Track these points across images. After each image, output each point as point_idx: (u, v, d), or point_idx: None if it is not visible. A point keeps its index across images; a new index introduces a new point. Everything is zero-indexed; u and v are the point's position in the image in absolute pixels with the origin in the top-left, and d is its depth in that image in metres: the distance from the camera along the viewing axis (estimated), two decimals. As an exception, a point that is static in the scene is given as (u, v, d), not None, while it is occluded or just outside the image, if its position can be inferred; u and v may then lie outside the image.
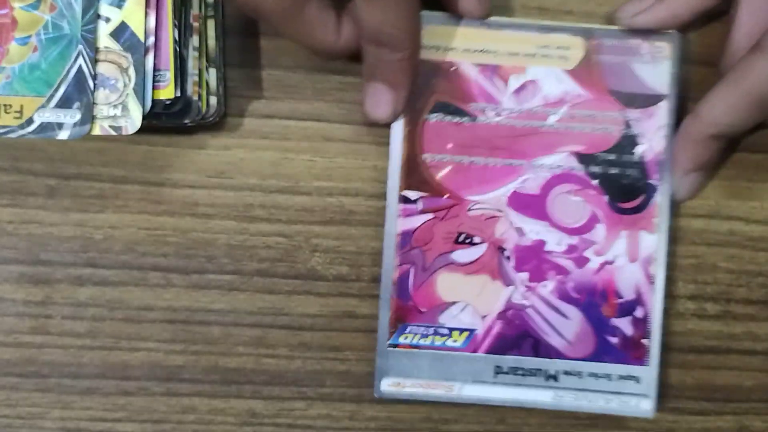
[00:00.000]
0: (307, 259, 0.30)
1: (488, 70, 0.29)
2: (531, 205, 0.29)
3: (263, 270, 0.30)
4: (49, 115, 0.27)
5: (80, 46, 0.27)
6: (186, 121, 0.28)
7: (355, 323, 0.30)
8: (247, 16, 0.29)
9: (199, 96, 0.28)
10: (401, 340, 0.29)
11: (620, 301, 0.29)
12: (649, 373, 0.29)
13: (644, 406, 0.29)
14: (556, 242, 0.29)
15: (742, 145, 0.31)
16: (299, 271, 0.30)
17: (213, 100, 0.29)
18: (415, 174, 0.29)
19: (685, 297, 0.31)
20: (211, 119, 0.29)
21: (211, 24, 0.29)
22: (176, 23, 0.27)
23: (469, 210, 0.29)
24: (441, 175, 0.29)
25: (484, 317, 0.29)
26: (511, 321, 0.29)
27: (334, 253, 0.30)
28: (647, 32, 0.29)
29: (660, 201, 0.29)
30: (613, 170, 0.29)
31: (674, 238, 0.30)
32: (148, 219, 0.30)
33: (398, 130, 0.29)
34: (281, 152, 0.30)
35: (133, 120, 0.27)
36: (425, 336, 0.29)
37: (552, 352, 0.29)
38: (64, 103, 0.27)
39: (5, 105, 0.27)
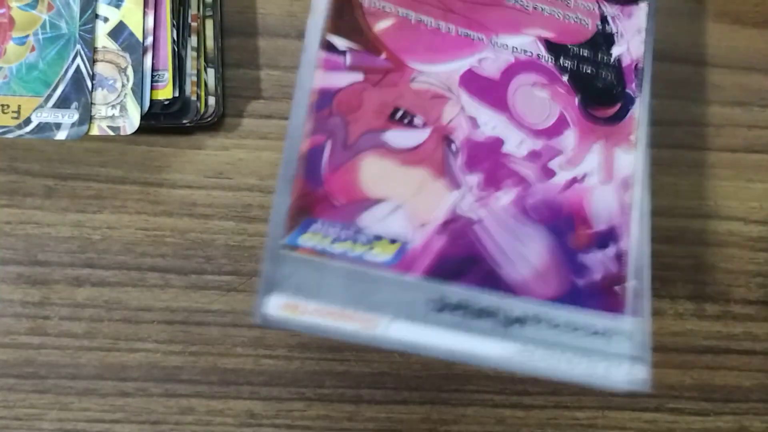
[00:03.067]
0: (306, 260, 0.30)
1: None
2: (488, 90, 0.23)
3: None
4: (46, 116, 0.27)
5: (78, 46, 0.27)
6: (184, 122, 0.28)
7: (354, 324, 0.30)
8: (245, 16, 0.28)
9: (198, 96, 0.28)
10: (303, 240, 0.20)
11: (592, 231, 0.23)
12: (641, 327, 0.22)
13: (639, 373, 0.21)
14: (516, 143, 0.23)
15: (742, 145, 0.31)
16: (298, 271, 0.30)
17: (211, 100, 0.29)
18: (346, 16, 0.22)
19: (684, 297, 0.31)
20: (209, 119, 0.29)
21: (209, 24, 0.29)
22: (174, 23, 0.27)
23: (412, 81, 0.22)
24: (380, 27, 0.22)
25: (421, 227, 0.21)
26: (456, 238, 0.21)
27: (333, 254, 0.30)
28: None
29: (638, 115, 0.24)
30: (586, 68, 0.24)
31: (673, 238, 0.30)
32: (147, 219, 0.30)
33: None
34: (280, 152, 0.30)
35: (132, 120, 0.27)
36: (339, 240, 0.20)
37: (510, 287, 0.21)
38: (62, 103, 0.27)
39: (3, 105, 0.27)
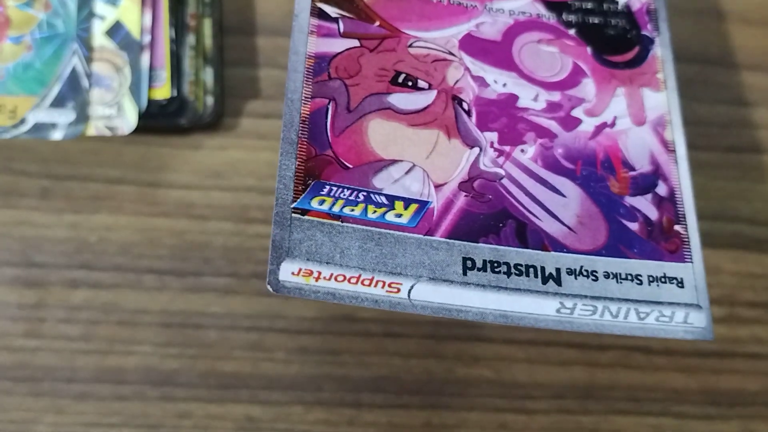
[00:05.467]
0: (305, 262, 0.30)
1: None
2: (491, 51, 0.22)
3: (260, 272, 0.30)
4: (43, 115, 0.26)
5: (75, 45, 0.27)
6: (182, 122, 0.28)
7: (354, 326, 0.30)
8: (244, 15, 0.28)
9: (196, 96, 0.28)
10: (314, 204, 0.19)
11: (636, 173, 0.22)
12: (693, 273, 0.20)
13: (696, 321, 0.20)
14: (531, 97, 0.22)
15: (747, 145, 0.30)
16: (297, 273, 0.30)
17: (210, 99, 0.28)
18: None
19: (689, 300, 0.30)
20: (207, 119, 0.29)
21: (207, 23, 0.28)
22: (172, 22, 0.27)
23: (410, 46, 0.22)
24: None
25: (439, 186, 0.20)
26: (481, 194, 0.20)
27: (333, 256, 0.30)
28: None
29: (661, 54, 0.23)
30: (593, 19, 0.23)
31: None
32: (144, 220, 0.29)
33: None
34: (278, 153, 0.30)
35: (129, 120, 0.26)
36: (353, 203, 0.19)
37: (547, 241, 0.20)
38: (59, 103, 0.26)
39: (-2, 104, 0.26)
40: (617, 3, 0.23)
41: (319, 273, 0.19)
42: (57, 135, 0.26)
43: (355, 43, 0.21)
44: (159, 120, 0.28)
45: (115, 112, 0.26)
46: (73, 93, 0.26)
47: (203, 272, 0.29)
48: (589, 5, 0.23)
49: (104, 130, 0.26)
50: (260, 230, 0.30)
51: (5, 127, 0.26)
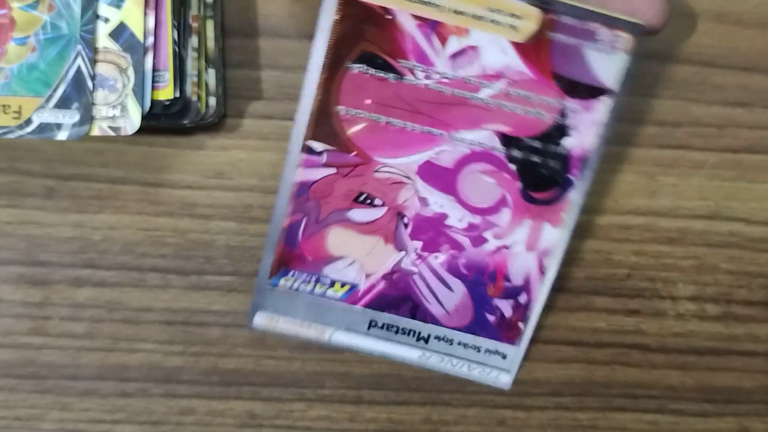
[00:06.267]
0: (307, 260, 0.30)
1: (427, 26, 0.26)
2: (441, 177, 0.28)
3: (262, 271, 0.30)
4: (47, 116, 0.27)
5: (79, 47, 0.27)
6: (185, 122, 0.28)
7: (355, 324, 0.30)
8: (246, 17, 0.28)
9: (198, 97, 0.28)
10: (282, 282, 0.28)
11: (507, 284, 0.29)
12: (516, 352, 0.29)
13: (503, 379, 0.29)
14: (458, 218, 0.28)
15: (744, 145, 0.31)
16: (298, 272, 0.30)
17: (212, 100, 0.29)
18: (324, 125, 0.27)
19: (686, 298, 0.31)
20: (210, 120, 0.29)
21: (210, 24, 0.29)
22: (175, 23, 0.27)
23: (376, 171, 0.28)
24: (353, 131, 0.27)
25: (368, 275, 0.29)
26: (395, 283, 0.29)
27: (334, 254, 0.30)
28: (611, 18, 0.26)
29: (573, 197, 0.28)
30: (535, 158, 0.27)
31: (674, 239, 0.30)
32: (147, 220, 0.30)
33: (314, 75, 0.26)
34: (280, 153, 0.30)
35: (132, 120, 0.27)
36: (307, 282, 0.28)
37: (428, 318, 0.29)
38: (63, 104, 0.27)
39: (4, 105, 0.27)
40: (562, 145, 0.27)
41: (279, 321, 0.29)
42: (61, 135, 0.27)
43: (332, 170, 0.28)
44: (162, 120, 0.28)
45: (119, 112, 0.27)
46: (78, 94, 0.27)
47: (206, 271, 0.30)
48: (537, 144, 0.27)
49: (108, 130, 0.27)
50: (262, 229, 0.30)
51: (10, 127, 0.27)
